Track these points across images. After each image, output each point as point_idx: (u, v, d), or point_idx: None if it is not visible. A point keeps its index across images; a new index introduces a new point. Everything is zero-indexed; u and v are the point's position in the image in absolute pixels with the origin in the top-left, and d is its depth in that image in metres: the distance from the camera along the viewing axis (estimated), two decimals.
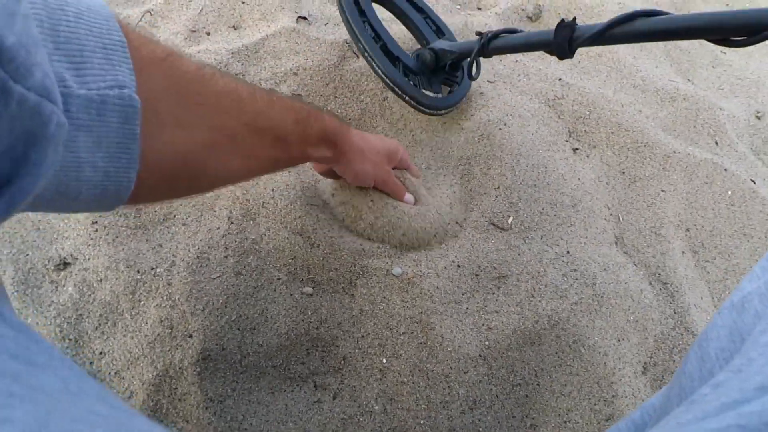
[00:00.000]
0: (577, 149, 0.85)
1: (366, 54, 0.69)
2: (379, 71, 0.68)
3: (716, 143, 0.90)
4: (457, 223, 0.67)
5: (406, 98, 0.69)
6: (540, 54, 1.05)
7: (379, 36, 0.71)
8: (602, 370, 0.62)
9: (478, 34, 0.63)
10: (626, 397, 0.61)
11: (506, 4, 1.12)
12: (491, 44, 0.60)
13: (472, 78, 0.70)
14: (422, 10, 0.79)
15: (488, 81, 0.91)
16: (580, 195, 0.78)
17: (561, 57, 0.52)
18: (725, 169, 0.84)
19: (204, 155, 0.34)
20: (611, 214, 0.79)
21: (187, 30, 0.85)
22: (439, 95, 0.72)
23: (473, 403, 0.57)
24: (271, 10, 0.91)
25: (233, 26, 0.88)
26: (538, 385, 0.60)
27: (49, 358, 0.23)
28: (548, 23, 1.10)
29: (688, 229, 0.80)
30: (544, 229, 0.72)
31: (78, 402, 0.21)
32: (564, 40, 0.50)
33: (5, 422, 0.17)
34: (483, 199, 0.74)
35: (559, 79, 0.95)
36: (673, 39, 0.43)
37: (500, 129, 0.80)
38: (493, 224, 0.71)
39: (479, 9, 1.14)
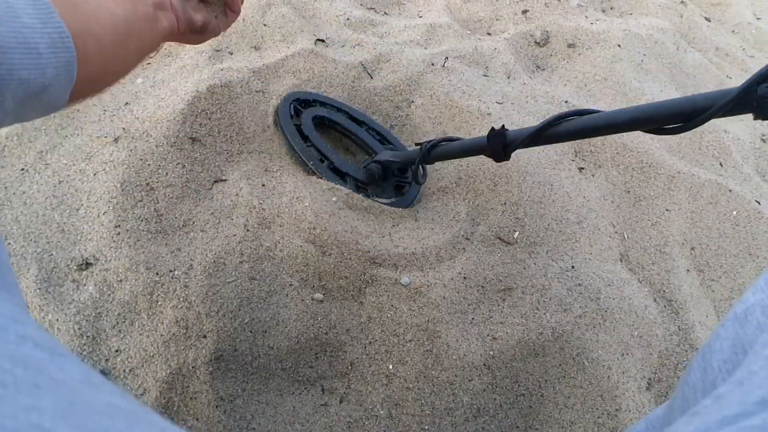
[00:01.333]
0: (582, 168, 0.87)
1: (316, 175, 0.73)
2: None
3: (721, 164, 0.92)
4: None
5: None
6: (547, 77, 1.09)
7: (325, 156, 0.75)
8: (606, 383, 0.62)
9: (417, 144, 0.67)
10: (630, 411, 0.61)
11: (515, 29, 1.16)
12: (432, 152, 0.63)
13: (418, 183, 0.74)
14: (363, 123, 0.84)
15: (497, 102, 0.94)
16: (585, 212, 0.79)
17: (498, 160, 0.54)
18: (730, 190, 0.86)
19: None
20: (616, 232, 0.80)
21: (212, 49, 0.89)
22: (393, 199, 0.76)
23: (477, 411, 0.58)
24: (291, 33, 0.95)
25: (255, 47, 0.92)
26: (541, 396, 0.61)
27: (68, 352, 0.25)
28: (555, 49, 1.14)
29: (693, 248, 0.81)
30: (550, 244, 0.74)
31: (98, 393, 0.22)
32: (498, 146, 0.53)
33: (34, 409, 0.18)
34: (490, 213, 0.76)
35: (566, 102, 0.98)
36: (604, 134, 0.44)
37: None
38: (500, 238, 0.73)
39: (489, 34, 1.18)
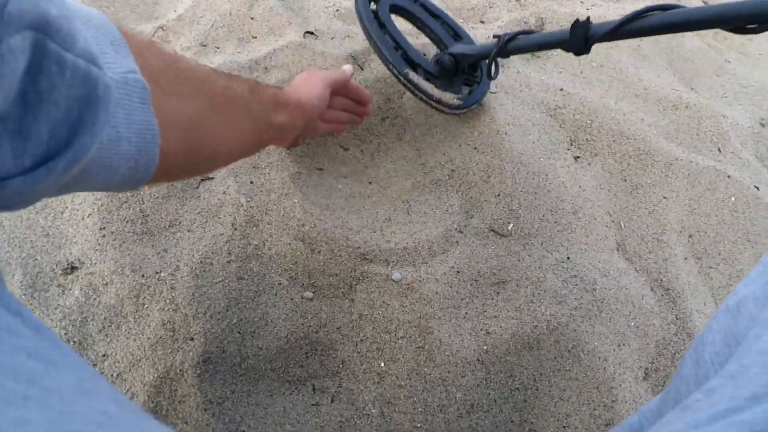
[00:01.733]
0: (578, 157, 0.86)
1: (389, 64, 0.74)
2: (402, 78, 0.73)
3: (719, 150, 0.90)
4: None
5: (430, 102, 0.74)
6: (542, 65, 1.07)
7: (399, 45, 0.76)
8: (602, 375, 0.61)
9: (496, 36, 0.67)
10: (626, 402, 0.60)
11: (509, 17, 1.14)
12: (510, 45, 0.64)
13: (491, 78, 0.74)
14: (438, 17, 0.84)
15: (490, 92, 0.92)
16: (581, 202, 0.78)
17: (578, 54, 0.55)
18: (728, 176, 0.84)
19: (200, 120, 0.39)
20: (612, 221, 0.79)
21: (198, 44, 0.88)
22: (460, 95, 0.77)
23: (471, 407, 0.57)
24: (279, 26, 0.93)
25: (242, 41, 0.91)
26: (536, 389, 0.60)
27: (65, 358, 0.24)
28: None
29: (690, 236, 0.80)
30: (545, 235, 0.73)
31: (90, 402, 0.22)
32: (580, 39, 0.53)
33: (22, 423, 0.18)
34: (483, 206, 0.74)
35: (561, 90, 0.96)
36: (686, 30, 0.45)
37: (501, 138, 0.80)
38: (493, 231, 0.72)
39: (482, 22, 1.16)
